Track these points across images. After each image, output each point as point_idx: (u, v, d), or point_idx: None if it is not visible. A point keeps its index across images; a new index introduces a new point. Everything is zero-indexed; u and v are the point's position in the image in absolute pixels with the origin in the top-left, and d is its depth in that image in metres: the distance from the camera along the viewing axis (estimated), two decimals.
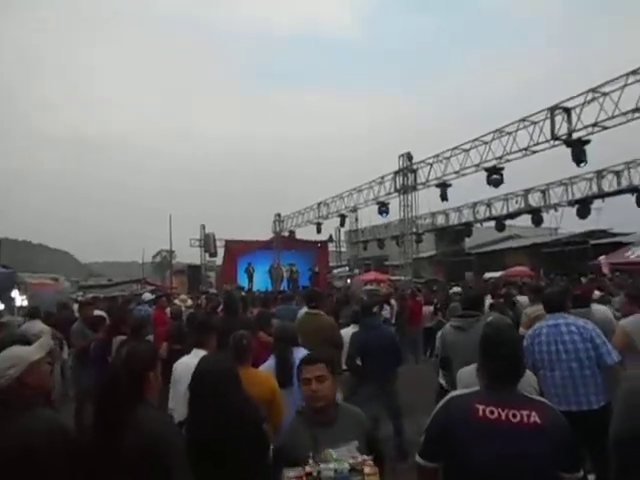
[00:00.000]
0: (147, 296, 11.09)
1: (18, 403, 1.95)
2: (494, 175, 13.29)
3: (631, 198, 16.01)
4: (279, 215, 28.14)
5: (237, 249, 29.45)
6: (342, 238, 34.85)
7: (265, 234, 29.71)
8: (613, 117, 10.39)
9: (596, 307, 6.28)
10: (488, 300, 8.91)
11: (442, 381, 5.47)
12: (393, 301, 11.31)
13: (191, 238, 31.72)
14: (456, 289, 13.98)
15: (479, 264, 29.13)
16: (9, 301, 11.03)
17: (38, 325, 7.08)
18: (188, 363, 3.75)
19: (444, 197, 15.41)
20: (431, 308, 11.33)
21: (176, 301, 10.17)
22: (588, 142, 11.11)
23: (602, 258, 21.17)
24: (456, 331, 4.63)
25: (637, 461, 2.26)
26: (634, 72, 10.03)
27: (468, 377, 3.18)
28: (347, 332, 5.93)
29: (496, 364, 2.04)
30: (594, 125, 10.76)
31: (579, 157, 11.01)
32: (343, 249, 35.84)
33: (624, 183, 15.87)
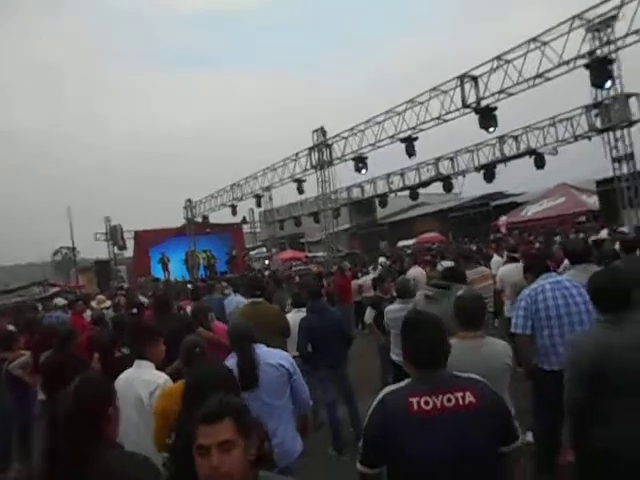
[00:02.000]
0: (60, 301, 10.09)
1: None
2: (409, 145, 13.50)
3: (529, 160, 17.15)
4: (190, 201, 27.08)
5: (148, 239, 28.21)
6: (256, 218, 34.34)
7: (177, 221, 28.52)
8: (518, 84, 10.87)
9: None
10: None
11: (395, 357, 5.50)
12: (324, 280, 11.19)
13: (96, 232, 29.56)
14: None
15: (392, 233, 30.10)
16: None
17: None
18: (129, 379, 3.28)
19: (360, 169, 15.44)
20: (359, 282, 11.31)
21: (93, 303, 9.32)
22: (495, 109, 11.58)
23: (501, 219, 22.76)
24: (427, 301, 4.50)
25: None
26: (534, 39, 10.51)
27: None
28: (293, 317, 5.68)
29: (418, 350, 1.96)
30: (500, 92, 11.20)
31: (488, 123, 11.44)
32: (257, 230, 35.38)
33: (522, 147, 16.87)
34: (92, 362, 5.07)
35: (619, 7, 9.11)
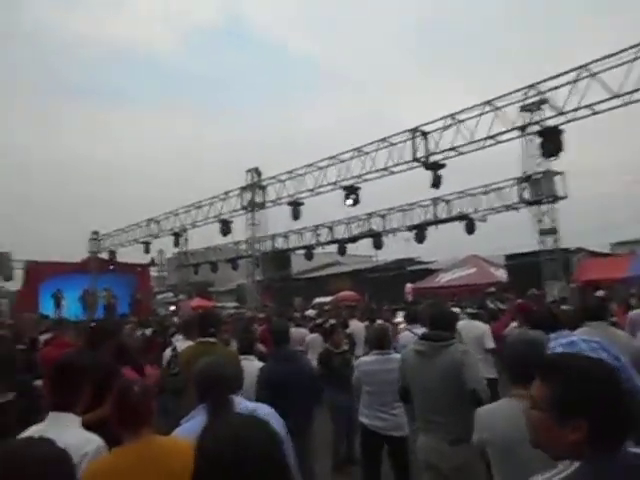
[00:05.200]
0: None
1: None
2: (351, 194, 13.06)
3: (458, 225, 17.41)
4: (96, 233, 24.62)
5: (41, 272, 24.98)
6: (165, 262, 32.16)
7: (77, 256, 25.85)
8: (469, 143, 10.91)
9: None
10: None
11: (365, 420, 4.62)
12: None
13: None
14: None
15: (307, 290, 29.46)
16: None
17: None
18: None
19: (297, 216, 14.68)
20: None
21: None
22: (444, 165, 11.52)
23: (407, 286, 23.12)
24: (418, 356, 3.64)
25: None
26: (489, 102, 10.70)
27: (489, 418, 2.30)
28: (247, 366, 4.51)
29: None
30: (451, 149, 11.18)
31: (438, 181, 11.34)
32: (165, 273, 33.14)
33: (454, 211, 17.20)
34: None
35: (573, 82, 9.47)
